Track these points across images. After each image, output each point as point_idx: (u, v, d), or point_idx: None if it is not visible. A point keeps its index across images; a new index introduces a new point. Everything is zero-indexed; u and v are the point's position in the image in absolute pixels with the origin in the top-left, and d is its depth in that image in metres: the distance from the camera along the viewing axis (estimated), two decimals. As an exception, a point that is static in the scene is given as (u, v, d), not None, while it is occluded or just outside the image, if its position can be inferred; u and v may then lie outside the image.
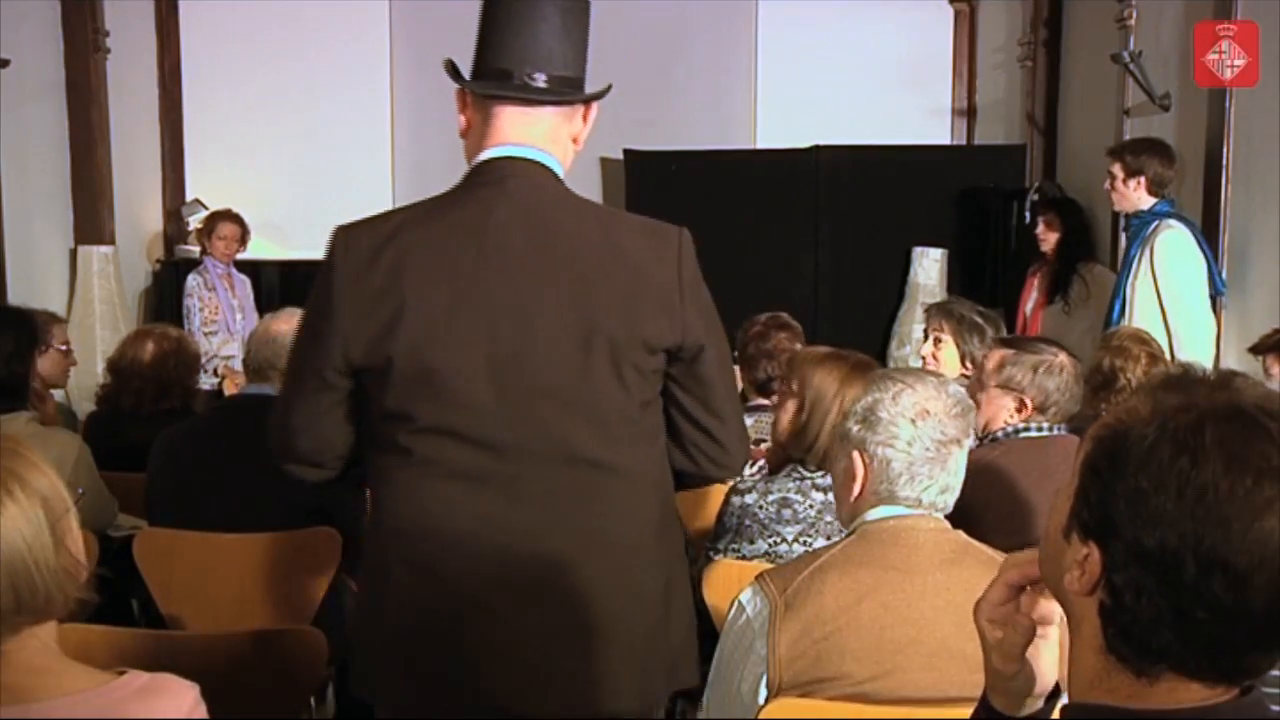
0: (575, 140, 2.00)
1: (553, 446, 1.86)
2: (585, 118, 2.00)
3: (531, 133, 1.93)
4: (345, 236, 1.89)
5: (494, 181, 1.90)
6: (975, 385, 3.04)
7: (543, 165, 1.93)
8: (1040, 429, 2.93)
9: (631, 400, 1.89)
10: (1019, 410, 2.95)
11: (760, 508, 2.75)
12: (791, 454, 2.84)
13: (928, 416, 1.93)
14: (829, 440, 2.48)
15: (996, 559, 1.83)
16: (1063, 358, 2.97)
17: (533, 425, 1.85)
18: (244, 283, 6.32)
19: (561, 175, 1.96)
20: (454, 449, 1.85)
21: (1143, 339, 3.78)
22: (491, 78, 1.93)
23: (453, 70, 2.01)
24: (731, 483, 2.82)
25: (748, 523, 2.76)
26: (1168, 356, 4.09)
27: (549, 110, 1.94)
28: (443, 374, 1.83)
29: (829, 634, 1.83)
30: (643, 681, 1.94)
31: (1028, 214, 6.32)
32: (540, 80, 1.91)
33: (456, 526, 1.85)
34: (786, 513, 2.73)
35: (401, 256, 1.84)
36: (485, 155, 1.93)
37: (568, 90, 1.94)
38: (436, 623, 1.86)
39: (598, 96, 2.01)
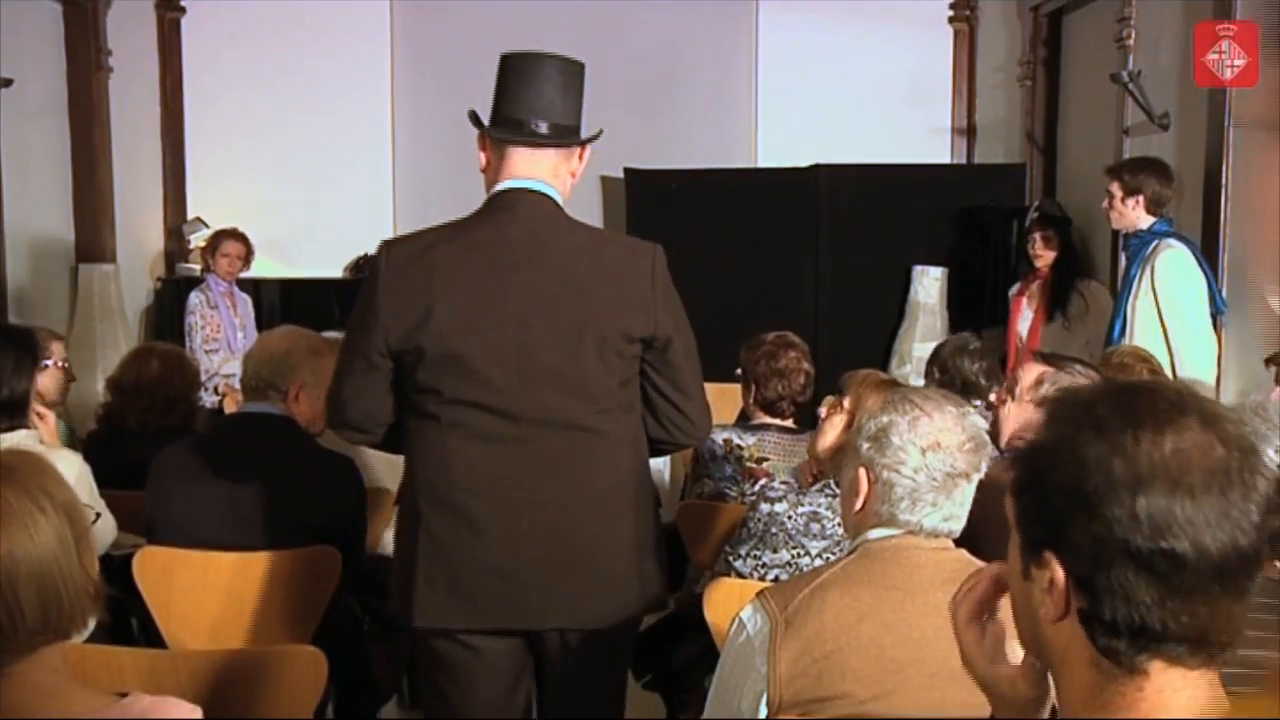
0: (573, 174, 2.48)
1: (552, 415, 2.35)
2: (581, 156, 2.49)
3: (537, 169, 2.42)
4: (388, 250, 2.43)
5: (507, 208, 2.40)
6: (1003, 394, 3.02)
7: (546, 195, 2.42)
8: None
9: (613, 379, 2.38)
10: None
11: (789, 518, 2.76)
12: (826, 470, 2.85)
13: (939, 449, 1.93)
14: None
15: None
16: (1096, 377, 2.96)
17: (537, 398, 2.34)
18: (245, 301, 6.33)
19: (561, 203, 2.44)
20: (475, 416, 2.34)
21: (1143, 356, 3.78)
22: (506, 125, 2.42)
23: (475, 119, 2.49)
24: (759, 489, 2.88)
25: (774, 530, 2.77)
26: (1169, 374, 4.10)
27: (551, 151, 2.43)
28: (465, 358, 2.32)
29: (829, 653, 1.83)
30: (622, 599, 2.41)
31: (1026, 232, 6.34)
32: (544, 128, 2.40)
33: (477, 476, 2.34)
34: (815, 527, 2.75)
35: (432, 266, 2.35)
36: (500, 187, 2.42)
37: (567, 135, 2.43)
38: (461, 552, 2.33)
39: (591, 140, 2.49)
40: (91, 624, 1.56)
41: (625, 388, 2.42)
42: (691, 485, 3.84)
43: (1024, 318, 5.67)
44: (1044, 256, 5.57)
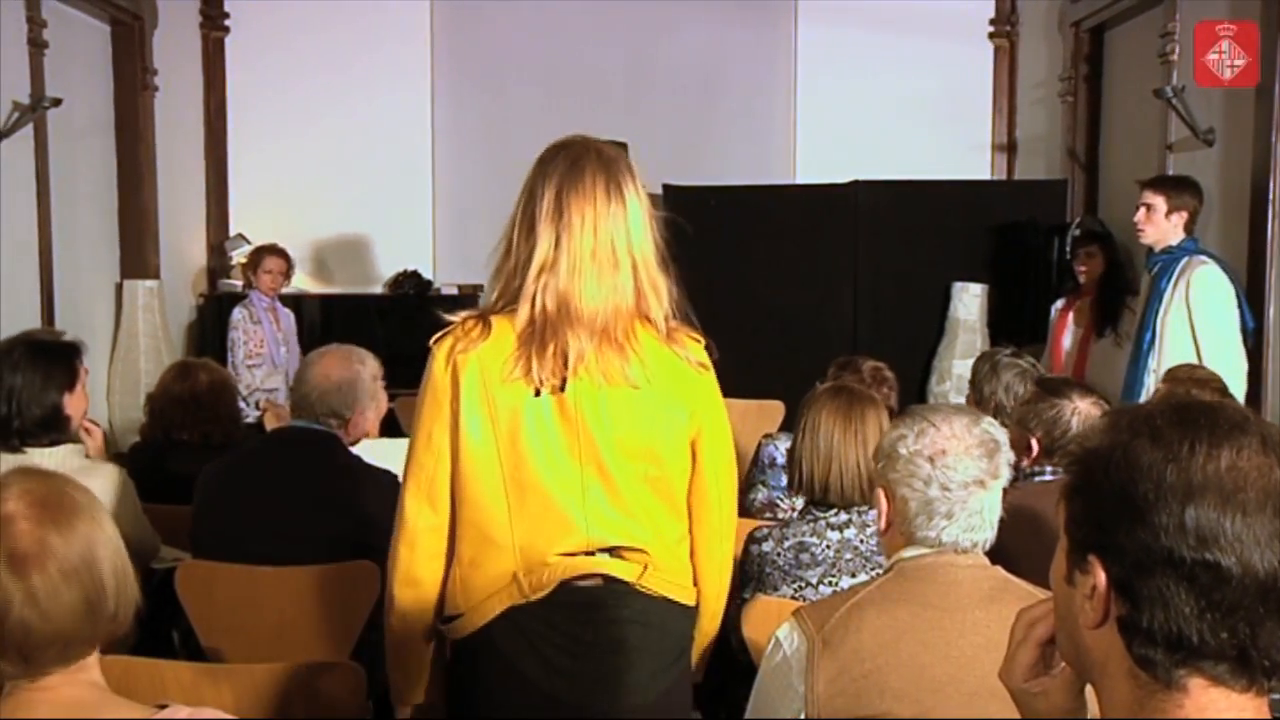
0: None
1: None
2: None
3: None
4: None
5: None
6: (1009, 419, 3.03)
7: None
8: (1043, 474, 2.90)
9: None
10: (1027, 451, 2.91)
11: (778, 554, 2.73)
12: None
13: (944, 456, 1.91)
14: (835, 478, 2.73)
15: (1036, 594, 1.81)
16: (1081, 404, 2.91)
17: None
18: (288, 316, 6.38)
19: None
20: None
21: (1212, 379, 3.74)
22: None
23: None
24: (751, 531, 2.86)
25: (768, 570, 2.75)
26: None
27: None
28: None
29: (868, 672, 1.81)
30: None
31: (1069, 249, 6.29)
32: None
33: None
34: (805, 557, 2.71)
35: None
36: None
37: None
38: None
39: None
40: (132, 636, 1.60)
41: None
42: (744, 492, 3.83)
43: (1069, 334, 5.64)
44: (1089, 273, 5.53)
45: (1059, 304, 5.80)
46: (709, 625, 2.25)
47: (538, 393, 2.03)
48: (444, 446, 2.06)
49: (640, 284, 2.08)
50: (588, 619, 2.05)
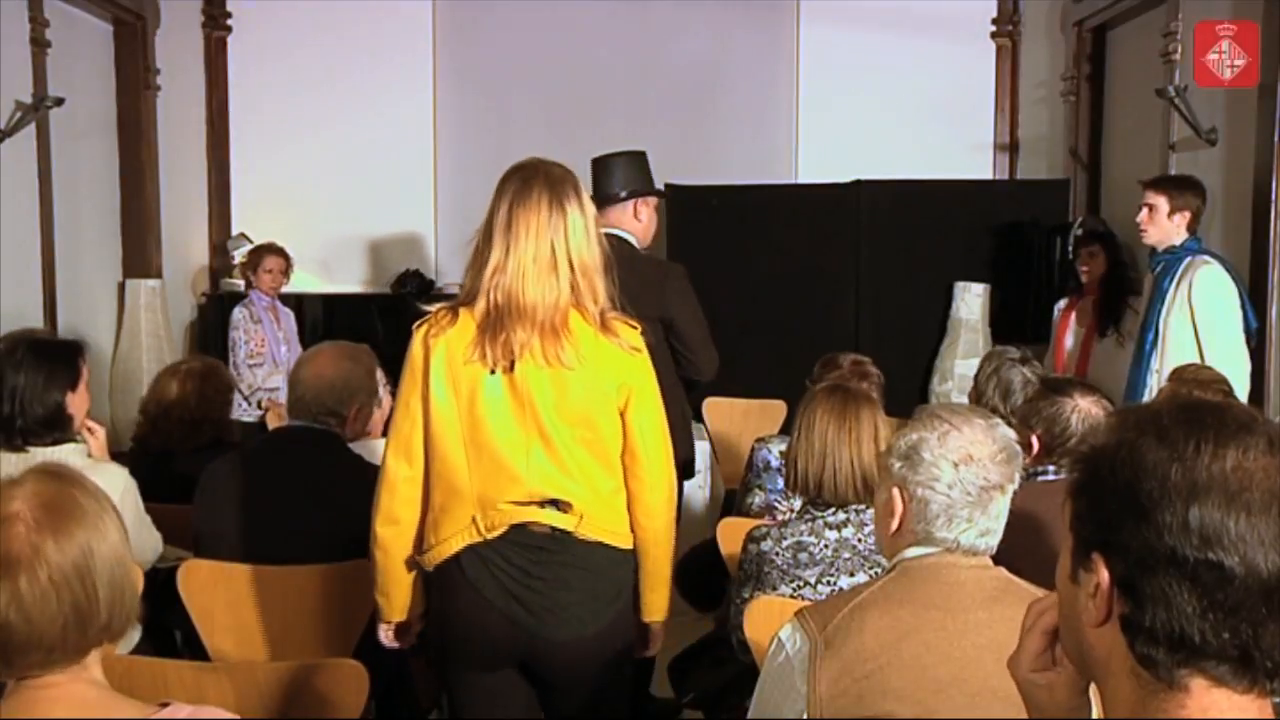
0: (638, 218, 4.01)
1: None
2: (640, 209, 4.01)
3: (621, 221, 3.96)
4: None
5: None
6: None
7: (622, 239, 3.83)
8: (1045, 473, 2.89)
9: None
10: (1027, 449, 2.91)
11: (777, 554, 2.73)
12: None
13: (971, 462, 1.91)
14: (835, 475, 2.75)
15: (1039, 595, 1.81)
16: (1082, 403, 2.91)
17: None
18: (288, 315, 6.38)
19: (635, 243, 3.96)
20: None
21: (1218, 379, 3.73)
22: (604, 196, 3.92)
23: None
24: (750, 530, 2.87)
25: (767, 569, 2.75)
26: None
27: (618, 207, 3.97)
28: None
29: (870, 673, 1.81)
30: None
31: (1070, 249, 6.29)
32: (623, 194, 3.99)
33: None
34: (803, 556, 2.71)
35: None
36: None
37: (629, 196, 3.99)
38: None
39: (641, 194, 4.02)
40: (135, 635, 1.60)
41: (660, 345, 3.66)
42: (741, 495, 3.83)
43: (1071, 334, 5.64)
44: (1091, 273, 5.53)
45: (1062, 304, 5.80)
46: (652, 565, 2.62)
47: (493, 371, 2.47)
48: (418, 413, 2.51)
49: (576, 283, 2.50)
50: (536, 559, 2.50)
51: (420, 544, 2.58)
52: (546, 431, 2.47)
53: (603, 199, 3.86)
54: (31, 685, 1.48)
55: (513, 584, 2.49)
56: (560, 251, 2.49)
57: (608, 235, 2.91)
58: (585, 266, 2.50)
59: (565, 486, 2.49)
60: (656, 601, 2.67)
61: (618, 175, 4.03)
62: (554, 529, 2.50)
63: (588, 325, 2.50)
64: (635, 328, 2.56)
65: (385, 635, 2.71)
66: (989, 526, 1.92)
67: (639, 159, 4.13)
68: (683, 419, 3.83)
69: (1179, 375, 3.74)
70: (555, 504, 2.50)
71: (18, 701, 1.48)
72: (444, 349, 2.48)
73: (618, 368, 2.52)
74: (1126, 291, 5.40)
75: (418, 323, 2.54)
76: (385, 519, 2.57)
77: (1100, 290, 5.50)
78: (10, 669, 1.47)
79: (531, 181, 2.54)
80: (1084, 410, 2.89)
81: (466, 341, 2.48)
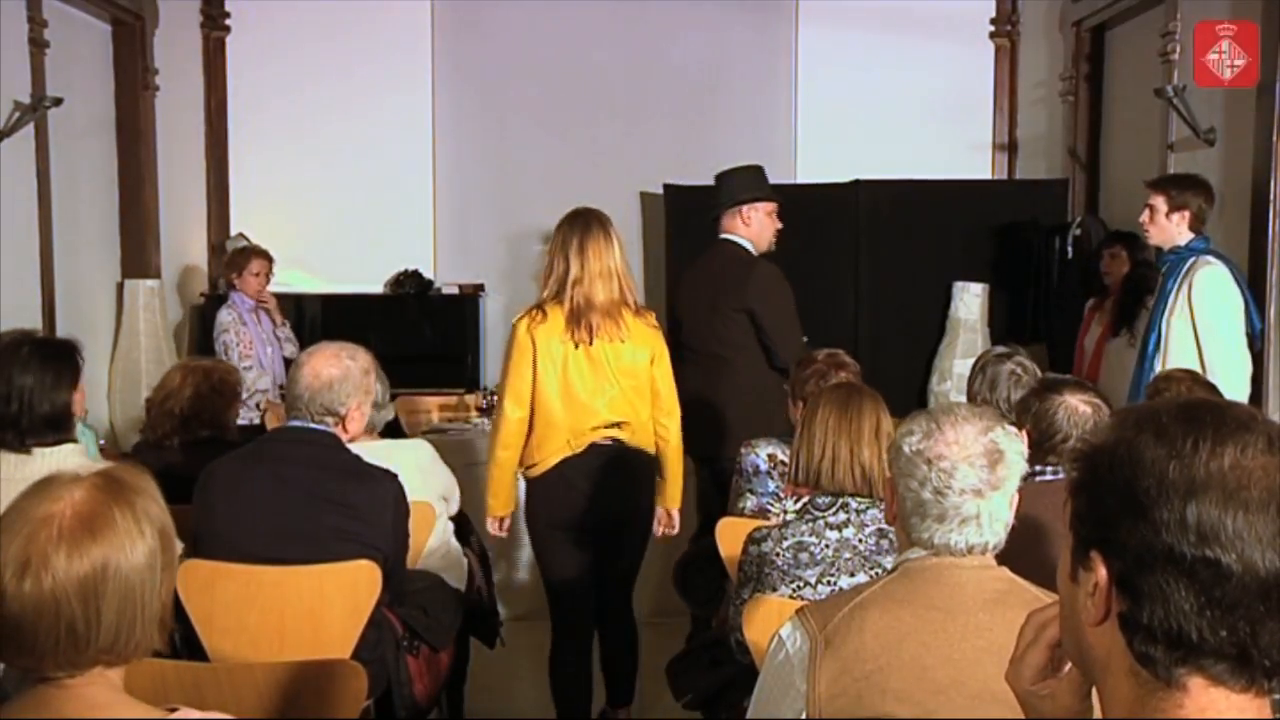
0: (747, 223, 4.77)
1: (707, 347, 4.68)
2: (749, 215, 4.75)
3: (733, 227, 4.78)
4: None
5: (713, 247, 4.78)
6: None
7: (731, 242, 4.77)
8: (1043, 473, 2.89)
9: (731, 329, 4.65)
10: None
11: (777, 555, 2.73)
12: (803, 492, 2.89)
13: (942, 460, 1.90)
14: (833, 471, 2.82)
15: (1042, 598, 1.81)
16: (1071, 400, 2.90)
17: (701, 337, 4.70)
18: (266, 317, 6.33)
19: (747, 246, 4.74)
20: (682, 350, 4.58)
21: (1201, 380, 3.72)
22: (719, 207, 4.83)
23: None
24: (750, 531, 2.90)
25: (767, 570, 2.75)
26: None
27: (728, 215, 4.75)
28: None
29: (870, 673, 1.81)
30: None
31: (1069, 249, 6.28)
32: (726, 209, 4.77)
33: None
34: (804, 556, 2.71)
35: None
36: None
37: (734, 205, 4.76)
38: None
39: (745, 202, 4.74)
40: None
41: (747, 336, 4.63)
42: (733, 501, 3.83)
43: (1092, 333, 5.66)
44: (1112, 274, 5.53)
45: (1090, 304, 5.81)
46: (669, 466, 3.99)
47: (577, 346, 3.79)
48: (529, 375, 3.78)
49: (623, 287, 3.84)
50: (604, 462, 3.84)
51: (523, 462, 3.87)
52: (612, 381, 3.81)
53: (719, 209, 4.69)
54: (47, 684, 1.49)
55: (590, 479, 3.81)
56: (612, 266, 3.79)
57: (722, 240, 4.66)
58: (624, 275, 3.84)
59: (625, 413, 3.85)
60: (672, 492, 4.03)
61: (726, 188, 4.72)
62: (615, 440, 3.84)
63: (630, 312, 3.83)
64: (652, 313, 3.96)
65: (494, 526, 3.99)
66: (966, 529, 1.90)
67: (749, 172, 4.77)
68: (767, 401, 4.42)
69: (1157, 385, 3.70)
70: (617, 425, 3.84)
71: (34, 701, 1.49)
72: (545, 334, 3.77)
73: (649, 339, 3.88)
74: (1144, 292, 5.37)
75: (518, 317, 3.85)
76: (504, 444, 3.83)
77: (1120, 291, 5.50)
78: (7, 662, 1.46)
79: (589, 220, 3.84)
80: (1070, 407, 2.88)
81: (559, 328, 3.77)
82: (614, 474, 3.82)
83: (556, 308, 3.76)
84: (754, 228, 4.64)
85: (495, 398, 4.22)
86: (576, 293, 3.75)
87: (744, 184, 4.70)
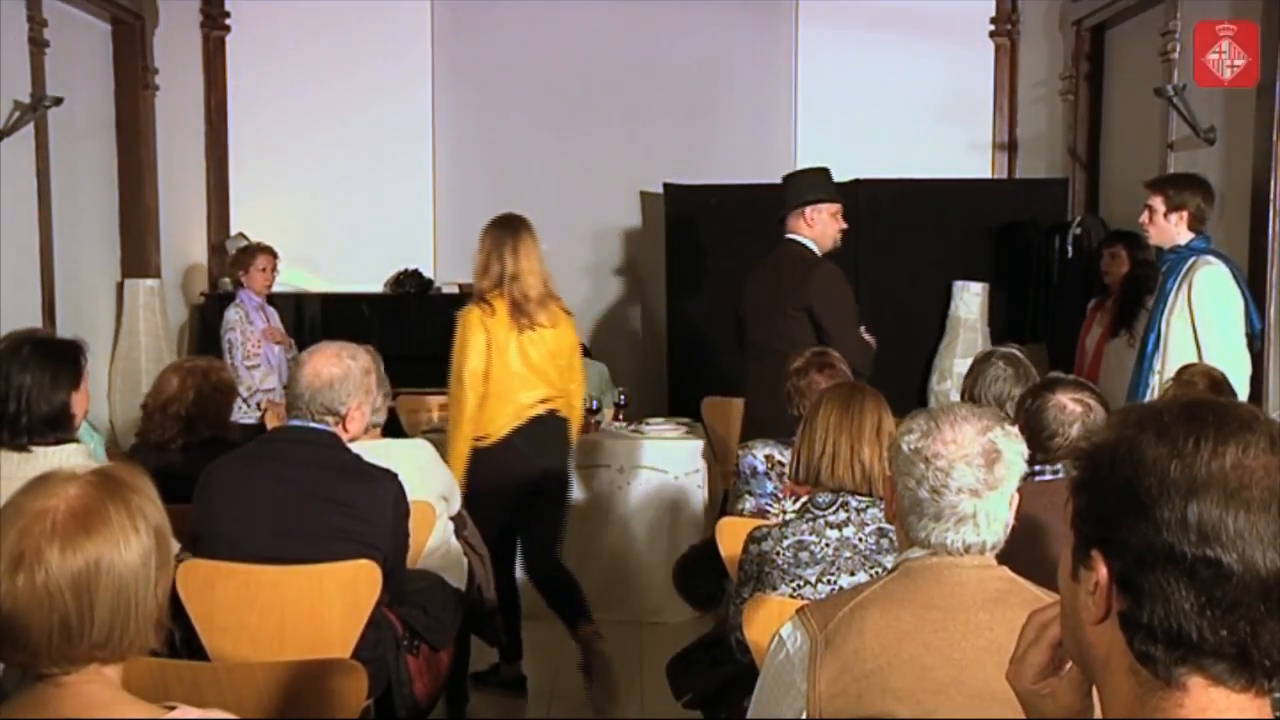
0: (810, 224, 4.83)
1: (771, 345, 4.65)
2: (812, 216, 4.81)
3: (797, 228, 4.84)
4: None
5: (779, 247, 4.91)
6: None
7: (795, 242, 4.84)
8: (1042, 473, 2.89)
9: (792, 327, 4.67)
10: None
11: (777, 554, 2.73)
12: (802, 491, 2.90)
13: (939, 459, 1.90)
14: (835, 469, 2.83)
15: (1043, 597, 1.81)
16: (1062, 398, 2.90)
17: (765, 335, 4.78)
18: (274, 314, 6.35)
19: (811, 246, 4.80)
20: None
21: (1215, 379, 3.72)
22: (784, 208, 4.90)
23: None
24: (751, 531, 2.89)
25: (767, 569, 2.75)
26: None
27: (792, 216, 4.83)
28: (743, 313, 4.94)
29: (870, 672, 1.81)
30: None
31: (1069, 248, 6.28)
32: (791, 210, 4.85)
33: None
34: (804, 555, 2.71)
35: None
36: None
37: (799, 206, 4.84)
38: None
39: (808, 204, 4.80)
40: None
41: (805, 332, 4.64)
42: (732, 502, 3.83)
43: (1093, 332, 5.67)
44: (1112, 274, 5.53)
45: (1092, 303, 5.81)
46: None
47: (521, 332, 4.35)
48: (485, 358, 4.32)
49: (546, 280, 4.41)
50: (542, 429, 4.45)
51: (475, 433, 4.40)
52: (543, 363, 4.41)
53: (784, 210, 4.85)
54: (45, 682, 1.49)
55: (533, 442, 4.42)
56: (538, 264, 4.39)
57: (786, 240, 4.84)
58: (545, 271, 4.43)
59: (559, 387, 4.49)
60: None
61: (792, 189, 4.87)
62: (550, 411, 4.46)
63: (554, 303, 4.44)
64: (563, 301, 4.55)
65: None
66: (963, 528, 1.90)
67: (814, 174, 4.93)
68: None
69: (1180, 378, 3.73)
70: (551, 399, 4.45)
71: (30, 698, 1.49)
72: (494, 323, 4.33)
73: (568, 326, 4.53)
74: (1144, 292, 5.36)
75: (468, 309, 4.37)
76: (469, 420, 4.35)
77: (1120, 290, 5.50)
78: (1, 658, 1.46)
79: (518, 225, 4.43)
80: (1059, 405, 2.88)
81: (505, 317, 4.32)
82: (549, 439, 4.49)
83: (500, 299, 4.33)
84: (817, 228, 4.75)
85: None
86: (514, 287, 4.32)
87: (809, 185, 4.81)
